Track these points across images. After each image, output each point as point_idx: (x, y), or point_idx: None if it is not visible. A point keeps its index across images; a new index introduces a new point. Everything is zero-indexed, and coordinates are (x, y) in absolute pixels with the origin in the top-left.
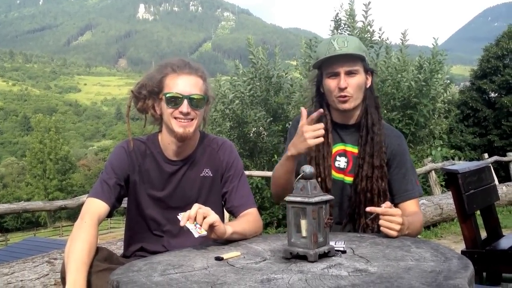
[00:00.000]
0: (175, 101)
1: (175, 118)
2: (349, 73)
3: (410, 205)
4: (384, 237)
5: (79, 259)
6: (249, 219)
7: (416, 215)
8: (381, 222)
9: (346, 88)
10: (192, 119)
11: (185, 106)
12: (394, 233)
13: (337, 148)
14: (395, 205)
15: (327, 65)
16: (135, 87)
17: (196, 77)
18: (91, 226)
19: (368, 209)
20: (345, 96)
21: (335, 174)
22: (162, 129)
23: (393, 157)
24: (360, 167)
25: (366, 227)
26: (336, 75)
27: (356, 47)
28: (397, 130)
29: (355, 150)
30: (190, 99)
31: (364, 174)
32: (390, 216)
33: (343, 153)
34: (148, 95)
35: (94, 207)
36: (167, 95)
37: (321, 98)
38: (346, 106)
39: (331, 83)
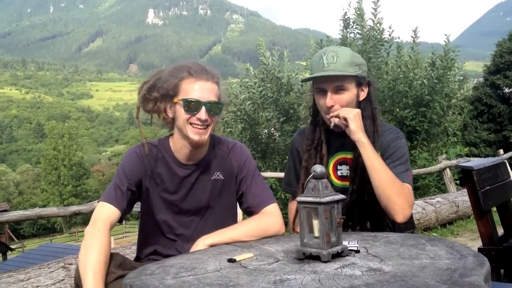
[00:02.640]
0: (193, 107)
1: (191, 124)
2: (337, 90)
3: None
4: (398, 236)
5: (97, 271)
6: (256, 217)
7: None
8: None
9: (333, 106)
10: (207, 126)
11: (203, 113)
12: (350, 115)
13: (338, 156)
14: None
15: (316, 81)
16: (144, 88)
17: (212, 83)
18: (104, 235)
19: (327, 116)
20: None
21: (338, 183)
22: (173, 133)
23: (384, 152)
24: (352, 178)
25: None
26: (324, 92)
27: (346, 63)
28: (396, 129)
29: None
30: (208, 106)
31: (355, 188)
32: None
33: (344, 161)
34: (161, 98)
35: (106, 213)
36: (186, 101)
37: (317, 109)
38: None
39: (320, 100)
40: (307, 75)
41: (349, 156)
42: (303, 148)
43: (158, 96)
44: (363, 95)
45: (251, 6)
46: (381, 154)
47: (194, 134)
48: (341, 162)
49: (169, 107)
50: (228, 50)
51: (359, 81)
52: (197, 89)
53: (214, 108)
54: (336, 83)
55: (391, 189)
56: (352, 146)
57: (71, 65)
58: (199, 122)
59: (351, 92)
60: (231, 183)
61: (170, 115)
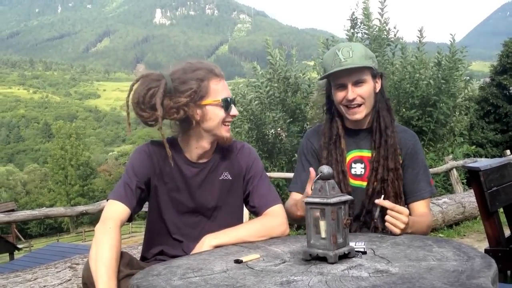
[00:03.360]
0: (229, 105)
1: (224, 123)
2: (357, 83)
3: (420, 206)
4: (405, 237)
5: (110, 267)
6: (261, 219)
7: (424, 216)
8: (387, 217)
9: (354, 99)
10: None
11: (235, 109)
12: (398, 231)
13: (353, 154)
14: (406, 205)
15: (334, 77)
16: (157, 95)
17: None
18: (115, 232)
19: (376, 201)
20: (355, 106)
21: (352, 181)
22: (188, 134)
23: (407, 157)
24: (374, 170)
25: (375, 227)
26: (344, 86)
27: (362, 56)
28: (411, 130)
29: (370, 154)
30: (234, 102)
31: (379, 177)
32: (397, 213)
33: (359, 160)
34: (189, 102)
35: (116, 211)
36: (225, 100)
37: (331, 106)
38: (357, 116)
39: (339, 95)
40: (315, 75)
41: (365, 154)
42: (321, 145)
43: (186, 101)
44: (378, 86)
45: (257, 6)
46: (403, 159)
47: (227, 132)
48: (356, 160)
49: (196, 110)
50: (235, 50)
51: (374, 74)
52: (224, 88)
53: (235, 102)
54: (355, 76)
55: (426, 231)
56: (368, 144)
57: (78, 65)
58: (231, 119)
59: (369, 84)
60: (238, 183)
61: (198, 118)
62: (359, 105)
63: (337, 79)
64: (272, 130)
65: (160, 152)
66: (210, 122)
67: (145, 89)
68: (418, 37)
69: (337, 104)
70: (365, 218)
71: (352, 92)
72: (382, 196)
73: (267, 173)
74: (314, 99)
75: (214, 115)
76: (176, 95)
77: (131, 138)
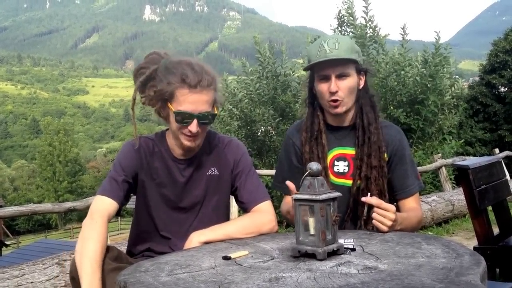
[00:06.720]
0: (185, 119)
1: (182, 133)
2: (340, 76)
3: (410, 201)
4: (394, 234)
5: (94, 261)
6: (251, 215)
7: (414, 211)
8: (373, 215)
9: (337, 92)
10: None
11: (194, 126)
12: (385, 228)
13: (335, 152)
14: (396, 201)
15: (318, 68)
16: (140, 79)
17: (207, 92)
18: (101, 226)
19: (363, 199)
20: (336, 101)
21: (334, 179)
22: (169, 129)
23: (395, 153)
24: (358, 168)
25: (365, 225)
26: (327, 78)
27: (347, 49)
28: (396, 126)
29: (354, 152)
30: (200, 117)
31: (363, 175)
32: (384, 210)
33: (342, 157)
34: (155, 98)
35: (103, 205)
36: (178, 113)
37: (313, 100)
38: (338, 110)
39: (322, 87)
40: (304, 73)
41: (348, 152)
42: (302, 141)
43: (152, 95)
44: (361, 83)
45: (247, 3)
46: (389, 155)
47: (186, 141)
48: (339, 158)
49: (163, 108)
50: (225, 47)
51: (358, 69)
52: (191, 101)
53: (206, 117)
54: (339, 68)
55: (417, 226)
56: (351, 142)
57: (67, 61)
58: (189, 134)
59: (353, 79)
60: (226, 178)
61: (164, 114)
62: (336, 101)
63: (321, 70)
64: (262, 128)
65: (148, 147)
66: (171, 125)
67: (139, 66)
68: (401, 34)
69: (319, 97)
70: (349, 216)
71: (335, 85)
72: (369, 194)
73: (257, 171)
74: (302, 97)
75: (172, 120)
76: (153, 84)
77: (120, 134)
